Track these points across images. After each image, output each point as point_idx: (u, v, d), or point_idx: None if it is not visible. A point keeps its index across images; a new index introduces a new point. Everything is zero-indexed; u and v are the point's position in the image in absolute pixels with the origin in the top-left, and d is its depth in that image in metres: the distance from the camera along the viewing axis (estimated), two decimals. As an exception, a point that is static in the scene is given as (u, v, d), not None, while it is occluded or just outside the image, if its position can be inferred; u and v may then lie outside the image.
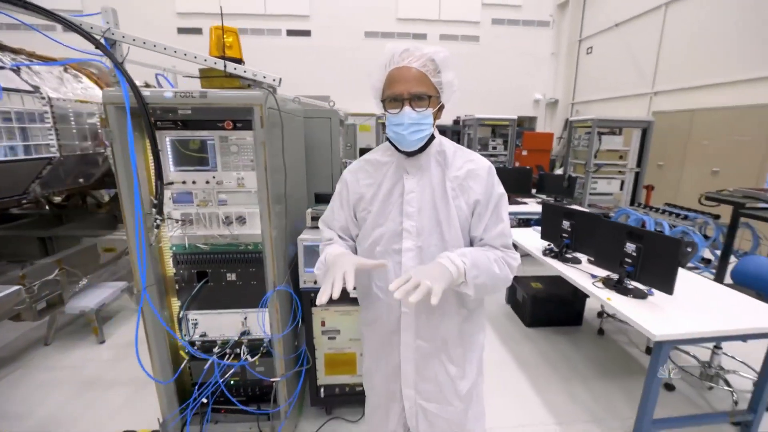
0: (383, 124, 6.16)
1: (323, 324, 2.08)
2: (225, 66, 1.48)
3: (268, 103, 1.58)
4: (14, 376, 2.66)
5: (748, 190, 3.93)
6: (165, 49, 1.46)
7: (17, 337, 3.12)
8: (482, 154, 1.22)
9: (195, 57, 1.48)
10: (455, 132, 8.89)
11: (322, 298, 0.96)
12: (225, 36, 1.53)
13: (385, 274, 1.20)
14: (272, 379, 1.89)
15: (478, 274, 1.07)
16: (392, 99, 1.07)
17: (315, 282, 1.97)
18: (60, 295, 2.97)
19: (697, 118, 6.19)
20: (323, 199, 2.38)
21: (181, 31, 10.48)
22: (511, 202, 4.58)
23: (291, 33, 10.86)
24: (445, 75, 1.10)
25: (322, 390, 2.18)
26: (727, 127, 5.71)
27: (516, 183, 5.08)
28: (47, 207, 3.94)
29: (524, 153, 9.05)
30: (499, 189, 1.20)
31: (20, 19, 1.48)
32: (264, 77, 1.54)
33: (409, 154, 1.16)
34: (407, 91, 1.05)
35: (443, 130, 8.72)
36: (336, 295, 0.95)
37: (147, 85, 4.89)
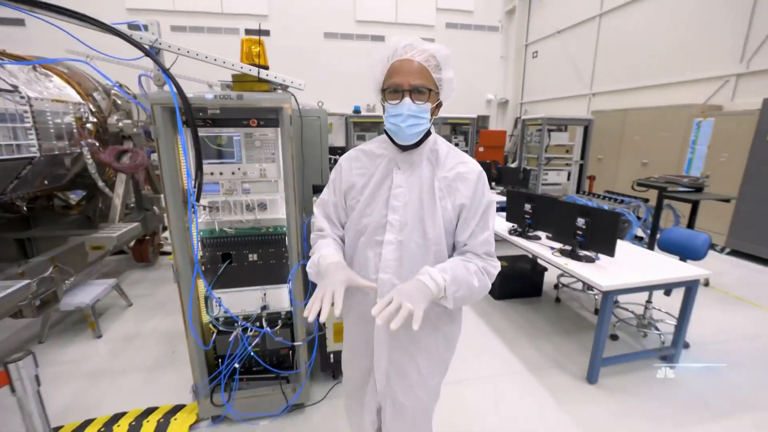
0: (354, 123, 6.46)
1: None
2: (258, 72, 1.74)
3: (292, 104, 1.85)
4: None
5: (670, 177, 4.68)
6: (207, 57, 1.70)
7: (8, 336, 3.11)
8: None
9: (233, 65, 1.72)
10: None
11: (310, 316, 0.96)
12: (254, 47, 1.79)
13: (366, 263, 1.21)
14: (295, 343, 2.15)
15: (457, 289, 1.08)
16: (393, 90, 1.08)
17: (311, 251, 2.26)
18: (54, 293, 3.01)
19: (629, 117, 7.06)
20: (319, 189, 2.67)
21: (132, 28, 10.11)
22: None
23: (250, 32, 10.81)
24: (446, 72, 1.11)
25: (331, 356, 2.47)
26: (653, 124, 6.59)
27: (478, 176, 5.56)
28: (25, 209, 3.88)
29: (481, 149, 9.71)
30: (489, 196, 1.20)
31: (58, 25, 1.65)
32: (291, 82, 1.81)
33: (404, 149, 1.17)
34: (408, 82, 1.06)
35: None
36: (323, 318, 0.96)
37: (120, 86, 4.87)
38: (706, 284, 4.23)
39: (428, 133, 1.18)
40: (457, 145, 7.95)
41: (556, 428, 2.22)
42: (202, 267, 2.09)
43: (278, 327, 2.18)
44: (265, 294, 2.19)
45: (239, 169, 2.00)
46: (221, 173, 1.99)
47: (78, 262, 3.40)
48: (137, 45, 1.60)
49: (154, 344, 3.05)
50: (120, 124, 4.15)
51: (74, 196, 4.90)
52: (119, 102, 4.39)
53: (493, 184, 6.06)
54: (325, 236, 1.29)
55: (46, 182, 3.52)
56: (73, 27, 1.65)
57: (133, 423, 2.14)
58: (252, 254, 2.13)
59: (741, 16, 5.71)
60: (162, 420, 2.17)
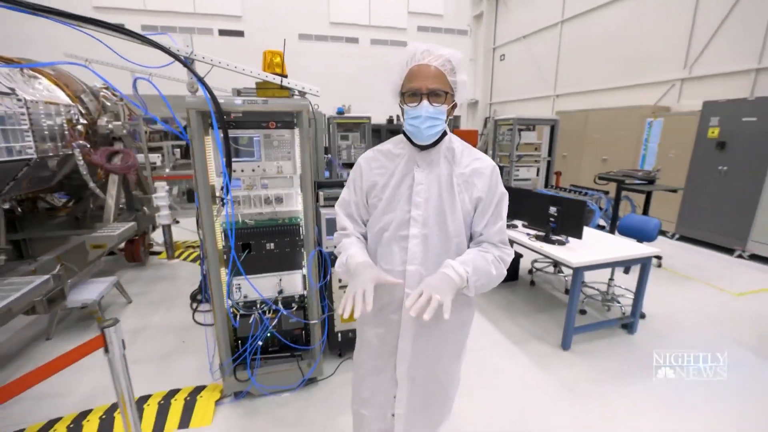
0: (338, 124, 6.68)
1: (339, 280, 2.63)
2: (281, 81, 1.98)
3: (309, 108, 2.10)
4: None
5: (627, 171, 5.22)
6: (236, 68, 1.92)
7: (11, 336, 3.16)
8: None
9: (258, 74, 1.95)
10: (390, 131, 9.60)
11: (345, 314, 1.07)
12: (275, 58, 2.02)
13: (392, 257, 1.29)
14: (311, 321, 2.40)
15: (478, 278, 1.18)
16: (411, 93, 1.16)
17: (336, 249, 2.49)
18: (62, 290, 3.09)
19: (590, 117, 7.67)
20: (321, 185, 2.92)
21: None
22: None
23: (223, 33, 10.80)
24: (460, 75, 1.18)
25: (339, 335, 2.73)
26: (611, 124, 7.21)
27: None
28: (20, 210, 3.89)
29: (454, 148, 10.11)
30: (501, 189, 1.28)
31: (97, 37, 1.82)
32: (310, 89, 2.06)
33: (422, 148, 1.25)
34: (426, 86, 1.13)
35: (377, 128, 9.38)
36: (357, 315, 1.07)
37: (107, 89, 4.90)
38: (659, 266, 4.77)
39: (444, 133, 1.26)
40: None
41: (538, 386, 2.58)
42: (224, 256, 2.30)
43: (294, 309, 2.42)
44: (280, 279, 2.42)
45: (259, 166, 2.22)
46: (242, 170, 2.20)
47: (79, 261, 3.48)
48: (176, 57, 1.80)
49: (161, 336, 3.19)
50: (110, 126, 4.22)
51: (60, 199, 4.89)
52: (108, 104, 4.44)
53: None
54: (348, 235, 1.35)
55: (31, 184, 3.56)
56: (75, 31, 1.82)
57: (162, 402, 2.33)
58: (269, 243, 2.35)
59: (684, 27, 6.39)
60: (188, 398, 2.36)
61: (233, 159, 2.17)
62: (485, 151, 10.57)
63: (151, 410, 2.26)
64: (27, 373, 1.32)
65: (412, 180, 1.25)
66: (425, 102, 1.14)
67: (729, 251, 5.30)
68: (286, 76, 2.07)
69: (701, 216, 5.60)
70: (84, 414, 2.26)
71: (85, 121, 3.97)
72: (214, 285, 2.16)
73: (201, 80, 1.83)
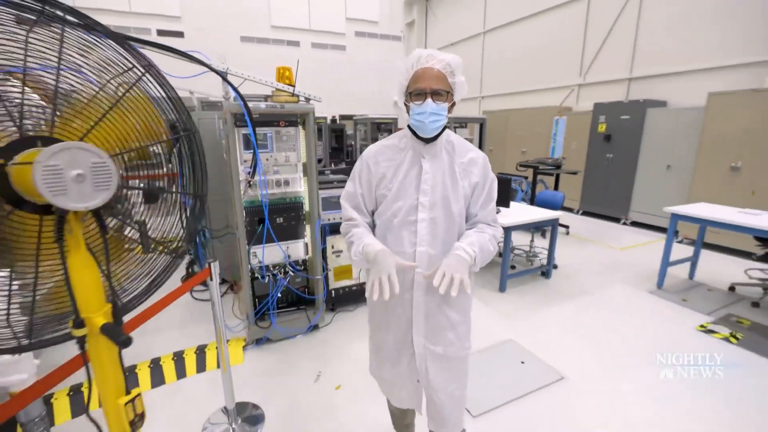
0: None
1: (333, 247, 3.31)
2: (293, 90, 2.62)
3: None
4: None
5: (540, 159, 6.45)
6: (259, 79, 2.52)
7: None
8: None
9: (278, 84, 2.57)
10: (333, 130, 10.08)
11: (374, 296, 1.20)
12: (286, 72, 2.65)
13: (401, 240, 1.39)
14: (317, 277, 3.05)
15: (482, 256, 1.33)
16: (417, 93, 1.28)
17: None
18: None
19: (511, 116, 9.00)
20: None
21: (20, 20, 9.28)
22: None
23: (162, 33, 10.63)
24: (458, 77, 1.31)
25: (333, 292, 3.40)
26: (528, 122, 8.57)
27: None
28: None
29: (396, 145, 11.00)
30: (492, 175, 1.43)
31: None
32: (314, 96, 2.71)
33: (426, 142, 1.36)
34: (430, 86, 1.25)
35: (319, 128, 9.90)
36: (386, 297, 1.19)
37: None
38: (567, 233, 6.03)
39: (444, 128, 1.39)
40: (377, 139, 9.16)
41: (485, 316, 3.48)
42: (246, 228, 2.87)
43: (301, 269, 3.06)
44: (287, 247, 3.04)
45: (271, 156, 2.82)
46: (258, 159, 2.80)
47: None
48: (216, 71, 2.36)
49: (170, 312, 3.56)
50: (85, 127, 4.43)
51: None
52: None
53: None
54: (357, 225, 1.44)
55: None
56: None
57: (197, 352, 2.84)
58: (279, 218, 2.97)
59: (578, 43, 7.87)
60: (219, 347, 2.89)
61: (250, 150, 2.76)
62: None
63: (190, 359, 2.77)
64: (148, 308, 1.76)
65: (419, 170, 1.38)
66: (429, 100, 1.27)
67: (617, 220, 6.78)
68: (294, 86, 2.71)
69: (596, 194, 7.05)
70: (132, 366, 2.70)
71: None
72: (242, 253, 2.74)
73: (236, 91, 2.41)
